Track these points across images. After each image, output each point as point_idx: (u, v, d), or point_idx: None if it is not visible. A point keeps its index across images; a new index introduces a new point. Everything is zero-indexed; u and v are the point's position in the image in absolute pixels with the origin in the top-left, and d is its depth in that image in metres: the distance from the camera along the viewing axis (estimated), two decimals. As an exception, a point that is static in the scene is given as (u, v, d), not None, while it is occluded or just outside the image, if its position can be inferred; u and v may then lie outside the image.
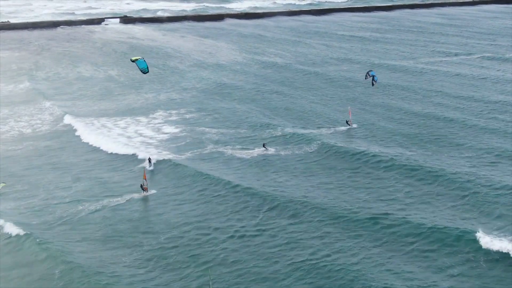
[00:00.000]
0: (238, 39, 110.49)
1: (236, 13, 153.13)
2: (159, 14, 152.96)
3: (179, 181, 41.62)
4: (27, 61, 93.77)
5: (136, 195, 38.96)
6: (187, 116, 59.60)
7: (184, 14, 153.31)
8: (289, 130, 53.18)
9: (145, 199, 38.63)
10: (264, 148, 47.61)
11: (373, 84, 54.04)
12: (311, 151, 47.40)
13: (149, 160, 44.29)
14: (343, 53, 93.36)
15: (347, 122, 54.58)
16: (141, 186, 39.22)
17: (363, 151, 46.12)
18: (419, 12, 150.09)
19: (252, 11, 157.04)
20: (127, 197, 38.76)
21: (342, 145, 48.21)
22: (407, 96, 65.41)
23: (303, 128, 54.20)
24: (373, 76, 53.29)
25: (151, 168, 43.35)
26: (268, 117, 58.49)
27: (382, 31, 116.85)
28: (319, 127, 54.33)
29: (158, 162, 45.14)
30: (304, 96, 66.84)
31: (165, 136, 52.89)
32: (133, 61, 40.74)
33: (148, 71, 41.21)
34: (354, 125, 54.10)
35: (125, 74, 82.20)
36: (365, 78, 55.48)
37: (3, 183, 40.58)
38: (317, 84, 72.98)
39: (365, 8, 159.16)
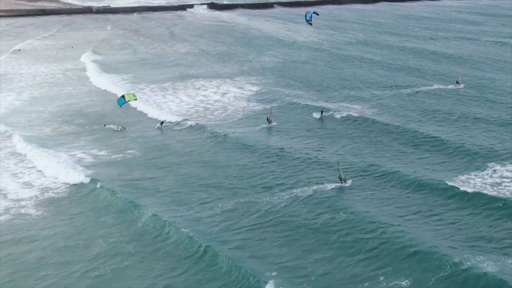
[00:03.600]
0: (318, 23, 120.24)
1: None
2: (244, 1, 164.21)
3: (284, 119, 54.10)
4: (129, 38, 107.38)
5: (264, 126, 52.06)
6: (265, 80, 70.47)
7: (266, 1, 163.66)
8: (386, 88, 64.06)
9: (269, 128, 51.68)
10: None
11: (311, 24, 56.40)
12: (416, 106, 56.59)
13: (161, 123, 52.89)
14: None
15: (457, 82, 63.50)
16: (267, 119, 51.85)
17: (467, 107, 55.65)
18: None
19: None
20: (257, 127, 51.85)
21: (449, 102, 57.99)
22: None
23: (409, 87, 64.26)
24: (309, 18, 54.96)
25: (161, 128, 52.09)
26: (360, 78, 69.69)
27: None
28: (426, 86, 64.03)
29: (278, 108, 56.82)
30: (405, 60, 78.67)
31: (250, 93, 63.89)
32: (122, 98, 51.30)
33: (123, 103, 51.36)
34: (463, 85, 63.09)
35: (214, 49, 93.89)
36: (308, 21, 56.14)
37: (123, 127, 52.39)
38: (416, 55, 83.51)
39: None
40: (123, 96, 51.97)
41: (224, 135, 48.77)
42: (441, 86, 63.81)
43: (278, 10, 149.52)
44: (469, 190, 35.69)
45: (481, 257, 27.99)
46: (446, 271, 26.79)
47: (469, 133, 48.28)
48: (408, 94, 61.62)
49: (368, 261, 28.42)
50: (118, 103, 52.48)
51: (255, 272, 27.12)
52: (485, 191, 35.66)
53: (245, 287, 26.39)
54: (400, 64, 78.30)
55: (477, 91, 62.03)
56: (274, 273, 27.27)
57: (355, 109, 55.73)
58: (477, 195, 35.07)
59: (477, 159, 41.79)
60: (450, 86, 63.52)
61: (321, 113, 53.39)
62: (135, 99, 52.30)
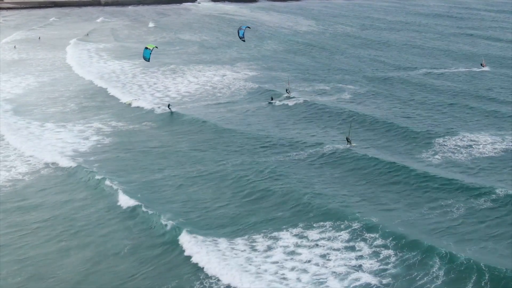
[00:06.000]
0: (315, 15, 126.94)
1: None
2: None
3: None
4: (137, 29, 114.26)
5: (284, 96, 58.33)
6: (265, 65, 76.90)
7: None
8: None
9: (290, 100, 57.52)
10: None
11: (244, 41, 58.83)
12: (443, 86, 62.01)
13: (169, 106, 55.81)
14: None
15: (481, 64, 68.39)
16: (287, 90, 58.63)
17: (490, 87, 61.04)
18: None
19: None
20: (276, 100, 57.66)
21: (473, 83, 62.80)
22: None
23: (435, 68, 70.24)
24: (241, 35, 57.35)
25: (172, 110, 55.11)
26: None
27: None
28: (450, 67, 69.84)
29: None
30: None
31: (248, 76, 70.38)
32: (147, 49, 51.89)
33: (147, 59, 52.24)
34: (487, 68, 67.99)
35: (216, 39, 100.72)
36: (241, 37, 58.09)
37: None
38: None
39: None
40: (146, 48, 52.84)
41: (230, 111, 55.06)
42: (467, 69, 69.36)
43: (262, 4, 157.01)
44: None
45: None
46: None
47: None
48: (439, 75, 67.88)
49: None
50: (145, 57, 52.76)
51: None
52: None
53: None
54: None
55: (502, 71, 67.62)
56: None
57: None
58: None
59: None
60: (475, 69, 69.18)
61: (271, 99, 57.19)
62: (156, 47, 53.87)
